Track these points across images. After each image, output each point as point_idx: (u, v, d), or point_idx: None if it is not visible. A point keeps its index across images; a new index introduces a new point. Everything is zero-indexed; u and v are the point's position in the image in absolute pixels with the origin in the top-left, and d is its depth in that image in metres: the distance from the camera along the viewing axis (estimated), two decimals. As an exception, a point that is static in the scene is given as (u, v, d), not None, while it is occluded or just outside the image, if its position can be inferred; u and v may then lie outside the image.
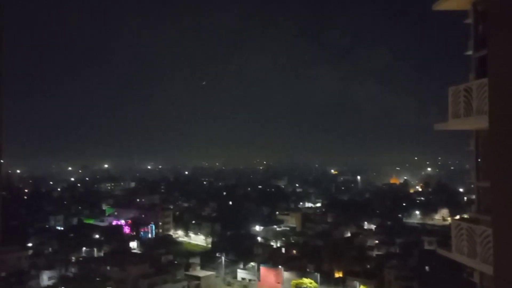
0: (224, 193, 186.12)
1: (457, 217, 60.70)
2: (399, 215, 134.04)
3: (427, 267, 68.42)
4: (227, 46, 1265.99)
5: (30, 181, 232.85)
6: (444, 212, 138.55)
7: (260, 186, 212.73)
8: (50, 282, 72.73)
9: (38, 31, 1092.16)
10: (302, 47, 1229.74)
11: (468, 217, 16.96)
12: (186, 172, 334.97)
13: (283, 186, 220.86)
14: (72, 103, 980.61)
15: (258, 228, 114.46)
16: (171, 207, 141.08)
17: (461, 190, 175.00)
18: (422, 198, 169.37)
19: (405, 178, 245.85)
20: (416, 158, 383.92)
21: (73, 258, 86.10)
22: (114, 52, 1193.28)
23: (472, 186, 15.71)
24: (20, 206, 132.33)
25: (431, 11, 15.81)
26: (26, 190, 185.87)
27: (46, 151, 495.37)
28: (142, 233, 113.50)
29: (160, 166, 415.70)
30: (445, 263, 50.93)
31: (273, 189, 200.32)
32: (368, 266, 76.93)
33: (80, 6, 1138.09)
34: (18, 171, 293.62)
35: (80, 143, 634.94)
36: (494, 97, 8.68)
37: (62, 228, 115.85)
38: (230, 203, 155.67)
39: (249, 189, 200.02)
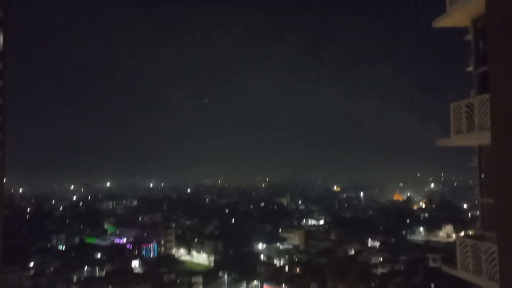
0: (227, 210, 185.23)
1: (462, 233, 60.19)
2: (403, 232, 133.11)
3: (432, 285, 67.66)
4: (230, 64, 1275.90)
5: (32, 200, 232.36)
6: (449, 228, 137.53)
7: (262, 204, 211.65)
8: (51, 302, 72.18)
9: (41, 54, 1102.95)
10: (305, 64, 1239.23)
11: (473, 233, 16.81)
12: (188, 190, 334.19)
13: (285, 204, 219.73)
14: (74, 122, 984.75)
15: (261, 246, 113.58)
16: (173, 226, 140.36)
17: (465, 206, 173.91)
18: (426, 215, 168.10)
19: (409, 194, 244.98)
20: (419, 174, 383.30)
21: (75, 277, 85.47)
22: (116, 72, 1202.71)
23: (476, 202, 15.60)
24: (22, 225, 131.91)
25: (432, 28, 15.92)
26: (28, 209, 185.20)
27: (48, 170, 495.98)
28: (144, 252, 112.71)
29: (162, 184, 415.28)
30: (450, 280, 50.27)
31: (275, 207, 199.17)
32: (373, 284, 76.06)
33: (80, 27, 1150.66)
34: (21, 190, 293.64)
35: (83, 162, 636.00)
36: (496, 112, 8.68)
37: (64, 247, 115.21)
38: (233, 221, 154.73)
39: (251, 206, 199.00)
